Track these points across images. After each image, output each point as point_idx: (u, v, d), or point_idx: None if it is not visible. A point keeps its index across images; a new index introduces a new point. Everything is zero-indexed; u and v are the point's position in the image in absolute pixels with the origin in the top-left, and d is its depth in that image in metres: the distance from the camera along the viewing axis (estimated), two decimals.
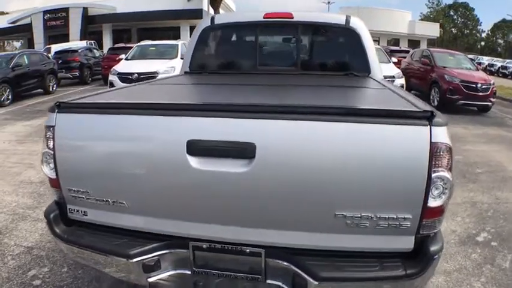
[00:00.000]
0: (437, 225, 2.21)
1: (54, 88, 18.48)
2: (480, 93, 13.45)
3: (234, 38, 5.15)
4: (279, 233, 2.20)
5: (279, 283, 2.29)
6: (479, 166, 7.58)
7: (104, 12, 38.63)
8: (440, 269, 3.76)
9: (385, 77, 11.89)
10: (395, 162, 2.01)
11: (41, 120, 10.87)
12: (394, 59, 15.41)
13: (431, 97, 14.26)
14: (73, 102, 2.51)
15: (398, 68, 14.77)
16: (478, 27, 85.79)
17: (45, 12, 39.33)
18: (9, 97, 15.13)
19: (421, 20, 64.49)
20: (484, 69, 29.30)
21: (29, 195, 5.84)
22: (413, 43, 46.75)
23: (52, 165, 2.44)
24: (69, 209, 2.55)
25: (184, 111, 2.25)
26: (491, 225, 4.96)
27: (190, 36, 6.19)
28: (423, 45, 45.22)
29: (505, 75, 37.20)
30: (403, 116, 2.05)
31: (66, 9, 38.51)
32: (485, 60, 45.77)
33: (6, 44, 60.40)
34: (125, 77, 13.15)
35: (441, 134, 2.00)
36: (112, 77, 13.81)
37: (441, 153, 2.00)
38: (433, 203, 2.07)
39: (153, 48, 16.43)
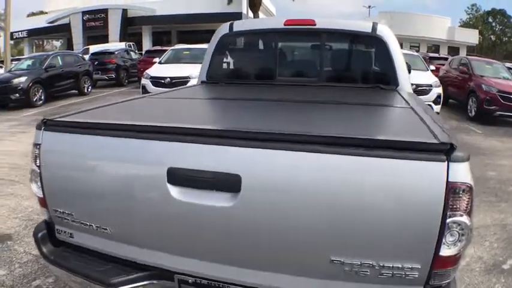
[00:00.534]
0: (451, 275, 1.93)
1: (89, 89, 18.62)
2: None
3: (253, 46, 5.00)
4: (268, 275, 1.99)
5: None
6: None
7: (143, 14, 38.72)
8: None
9: (422, 86, 12.08)
10: (404, 203, 1.76)
11: None
12: (432, 67, 15.05)
13: (468, 107, 13.70)
14: (59, 120, 2.38)
15: (437, 75, 14.37)
16: None
17: (84, 12, 39.76)
18: (42, 98, 15.35)
19: (461, 26, 62.88)
20: None
21: None
22: (453, 50, 45.71)
23: (39, 183, 2.36)
24: (57, 229, 2.46)
25: (164, 135, 2.05)
26: None
27: None
28: (462, 53, 44.24)
29: None
30: (416, 148, 1.76)
31: (105, 10, 38.86)
32: None
33: (45, 43, 61.73)
34: (157, 81, 12.95)
35: (461, 172, 1.73)
36: (144, 81, 13.72)
37: (460, 195, 1.74)
38: (446, 251, 1.80)
39: (187, 52, 16.12)
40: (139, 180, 2.09)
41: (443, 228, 1.75)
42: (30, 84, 14.71)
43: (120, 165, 2.16)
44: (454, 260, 1.86)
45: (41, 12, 51.52)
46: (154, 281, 2.20)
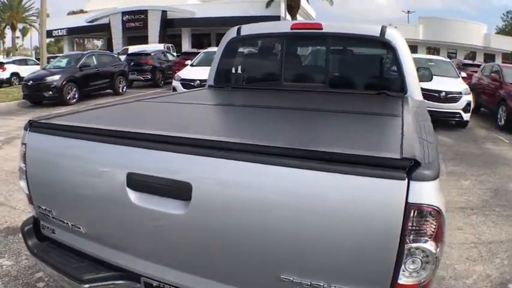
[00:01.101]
0: None
1: (124, 89, 18.73)
2: None
3: (259, 50, 5.03)
4: (223, 287, 1.94)
5: None
6: None
7: (182, 16, 39.10)
8: None
9: (452, 93, 11.59)
10: (359, 224, 1.60)
11: None
12: (464, 74, 14.59)
13: (498, 116, 12.89)
14: (42, 122, 2.46)
15: (469, 83, 14.07)
16: None
17: (123, 13, 40.44)
18: (76, 96, 15.45)
19: (497, 33, 61.01)
20: None
21: None
22: (489, 57, 44.57)
23: (25, 181, 2.48)
24: (41, 225, 2.57)
25: (127, 140, 2.08)
26: None
27: None
28: (498, 60, 43.02)
29: None
30: (374, 164, 1.59)
31: (145, 12, 39.40)
32: None
33: (86, 42, 63.15)
34: (187, 84, 12.87)
35: (425, 193, 1.55)
36: (175, 83, 13.77)
37: (423, 218, 1.57)
38: (407, 279, 1.63)
39: None
40: (103, 183, 2.14)
41: (401, 253, 1.59)
42: (64, 83, 14.82)
43: (88, 167, 2.21)
44: None
45: (81, 11, 52.74)
46: (123, 282, 2.22)
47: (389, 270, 1.61)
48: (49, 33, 39.91)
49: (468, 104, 11.72)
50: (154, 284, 2.13)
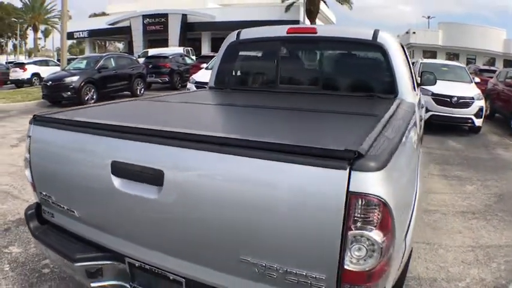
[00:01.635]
0: None
1: (142, 92, 18.92)
2: None
3: (257, 54, 5.18)
4: (193, 266, 2.12)
5: None
6: None
7: (202, 20, 39.27)
8: None
9: (465, 98, 11.54)
10: (307, 210, 1.73)
11: None
12: (477, 79, 14.46)
13: None
14: (45, 116, 2.76)
15: (483, 89, 13.94)
16: None
17: (144, 16, 40.74)
18: (94, 97, 15.71)
19: None
20: None
21: None
22: (509, 63, 43.32)
23: (30, 170, 2.75)
24: (43, 209, 2.82)
25: (113, 132, 2.33)
26: None
27: None
28: None
29: None
30: (321, 155, 1.72)
31: (165, 15, 39.74)
32: None
33: (108, 44, 63.82)
34: (201, 86, 12.86)
35: (367, 182, 1.64)
36: (189, 85, 13.76)
37: (367, 207, 1.65)
38: (353, 266, 1.72)
39: None
40: (92, 170, 2.37)
41: (345, 240, 1.69)
42: (82, 84, 15.15)
43: (80, 156, 2.46)
44: (366, 275, 1.75)
45: (103, 14, 53.34)
46: (110, 262, 2.43)
47: (335, 255, 1.71)
48: (70, 35, 40.59)
49: (480, 109, 11.59)
50: (136, 265, 2.33)
